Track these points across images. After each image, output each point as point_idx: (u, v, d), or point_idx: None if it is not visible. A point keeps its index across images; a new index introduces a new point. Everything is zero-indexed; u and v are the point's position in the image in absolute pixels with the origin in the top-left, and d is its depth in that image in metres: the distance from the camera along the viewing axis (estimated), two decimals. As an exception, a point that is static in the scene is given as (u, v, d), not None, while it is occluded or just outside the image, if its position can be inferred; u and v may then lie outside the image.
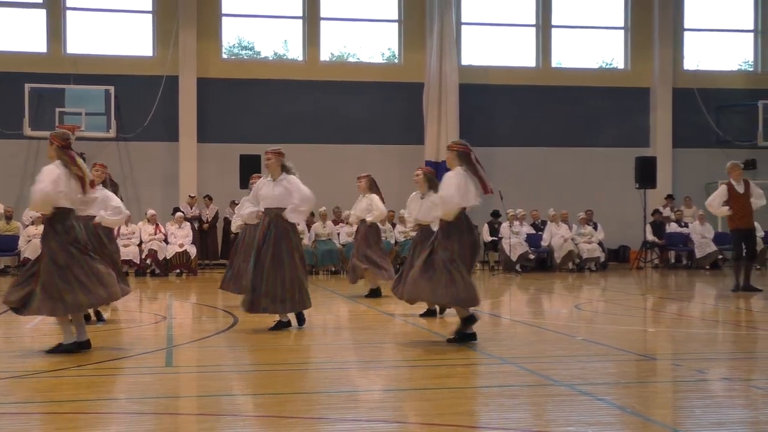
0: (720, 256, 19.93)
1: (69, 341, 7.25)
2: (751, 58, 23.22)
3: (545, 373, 6.42)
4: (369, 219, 12.33)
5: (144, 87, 20.10)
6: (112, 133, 19.53)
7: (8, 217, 18.20)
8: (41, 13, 20.27)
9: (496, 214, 19.69)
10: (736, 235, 13.23)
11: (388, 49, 22.09)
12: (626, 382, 6.28)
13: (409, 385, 6.21)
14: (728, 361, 7.22)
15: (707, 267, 19.70)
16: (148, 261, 17.87)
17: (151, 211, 18.44)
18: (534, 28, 22.18)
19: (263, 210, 8.82)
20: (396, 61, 21.86)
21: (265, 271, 8.59)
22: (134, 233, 18.00)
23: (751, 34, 23.11)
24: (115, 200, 9.67)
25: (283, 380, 6.47)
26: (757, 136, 21.86)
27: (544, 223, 19.90)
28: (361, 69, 21.63)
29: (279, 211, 8.68)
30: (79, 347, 7.25)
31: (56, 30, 20.20)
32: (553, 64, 22.23)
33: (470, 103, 21.28)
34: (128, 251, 17.47)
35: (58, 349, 7.20)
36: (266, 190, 8.81)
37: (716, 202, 13.26)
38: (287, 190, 8.69)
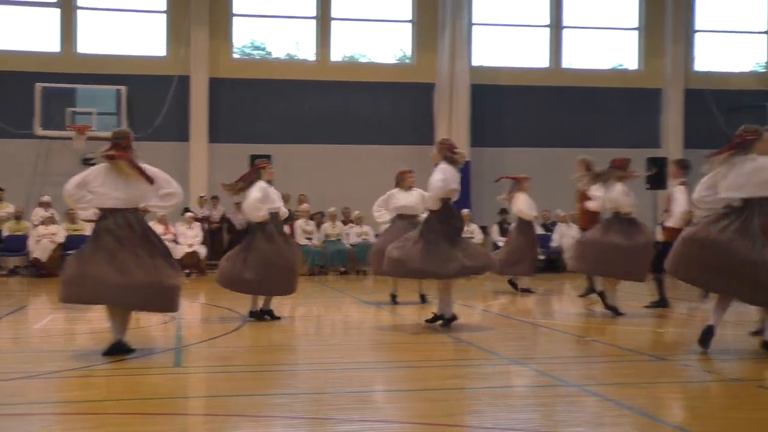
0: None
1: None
2: (764, 59, 23.09)
3: (554, 373, 6.40)
4: None
5: (155, 87, 20.12)
6: (123, 133, 19.56)
7: (18, 218, 18.08)
8: (55, 12, 20.33)
9: (505, 214, 19.64)
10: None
11: (401, 49, 22.07)
12: (635, 382, 6.25)
13: (416, 385, 6.20)
14: (739, 362, 7.17)
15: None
16: (158, 261, 17.87)
17: (161, 211, 18.44)
18: (546, 29, 22.13)
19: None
20: (408, 61, 21.84)
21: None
22: (145, 233, 18.00)
23: (765, 36, 22.98)
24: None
25: (291, 380, 6.47)
26: (769, 137, 21.70)
27: (554, 223, 19.83)
28: (373, 69, 21.62)
29: None
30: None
31: (68, 29, 20.25)
32: (565, 65, 22.16)
33: (481, 103, 21.24)
34: (138, 251, 17.54)
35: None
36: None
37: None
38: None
